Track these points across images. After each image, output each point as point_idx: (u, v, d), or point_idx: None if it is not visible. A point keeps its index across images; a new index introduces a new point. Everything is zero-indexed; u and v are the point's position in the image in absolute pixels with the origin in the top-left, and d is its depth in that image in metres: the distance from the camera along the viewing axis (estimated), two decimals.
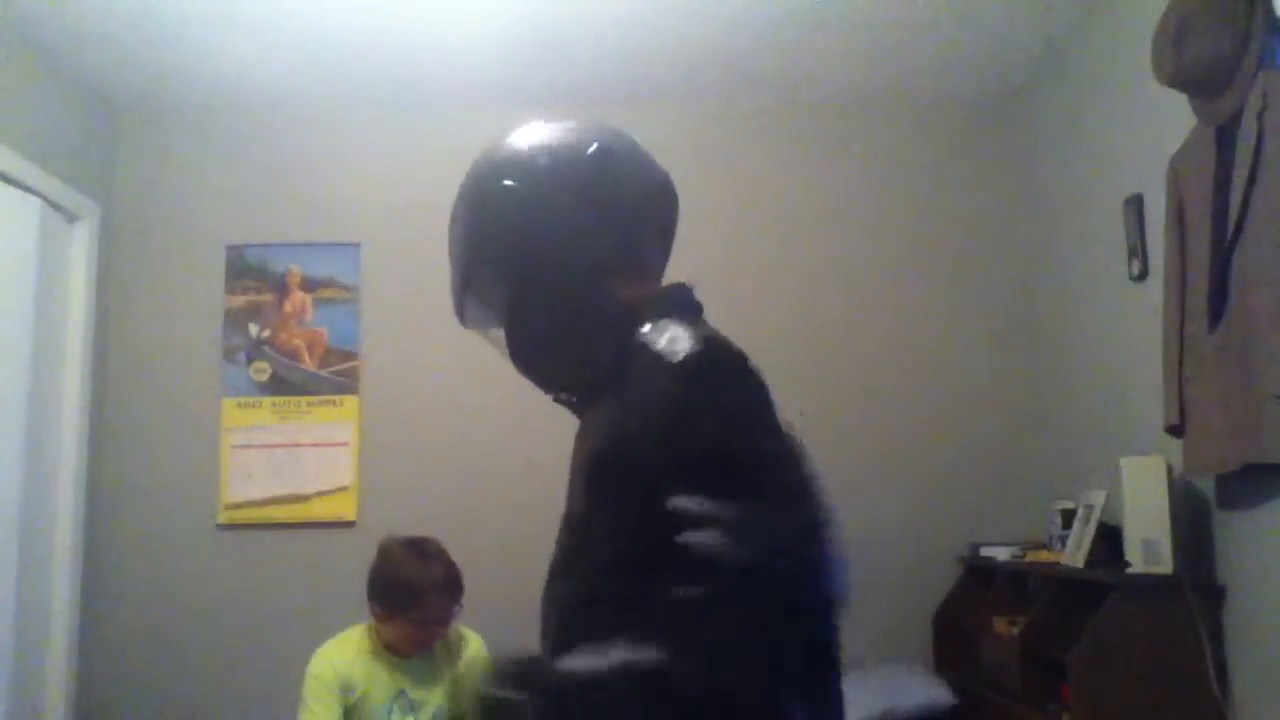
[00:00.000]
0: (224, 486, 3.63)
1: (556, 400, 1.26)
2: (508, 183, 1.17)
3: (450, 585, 2.54)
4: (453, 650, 2.64)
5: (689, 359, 1.04)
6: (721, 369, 1.05)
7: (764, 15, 3.19)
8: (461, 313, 1.25)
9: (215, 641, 3.55)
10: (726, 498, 0.95)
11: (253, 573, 3.60)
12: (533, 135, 1.21)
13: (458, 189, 1.24)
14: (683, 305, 1.19)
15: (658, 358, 1.05)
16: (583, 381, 1.21)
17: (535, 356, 1.22)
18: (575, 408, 1.24)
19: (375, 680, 2.54)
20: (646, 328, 1.11)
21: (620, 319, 1.15)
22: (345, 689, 2.51)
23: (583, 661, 0.96)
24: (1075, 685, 2.48)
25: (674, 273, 1.29)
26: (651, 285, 1.22)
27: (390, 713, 2.52)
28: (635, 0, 3.09)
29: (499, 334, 1.24)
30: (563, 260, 1.16)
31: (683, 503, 0.94)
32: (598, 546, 1.04)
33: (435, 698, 2.57)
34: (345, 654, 2.57)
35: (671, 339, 1.06)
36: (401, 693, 2.54)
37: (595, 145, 1.19)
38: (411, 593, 2.49)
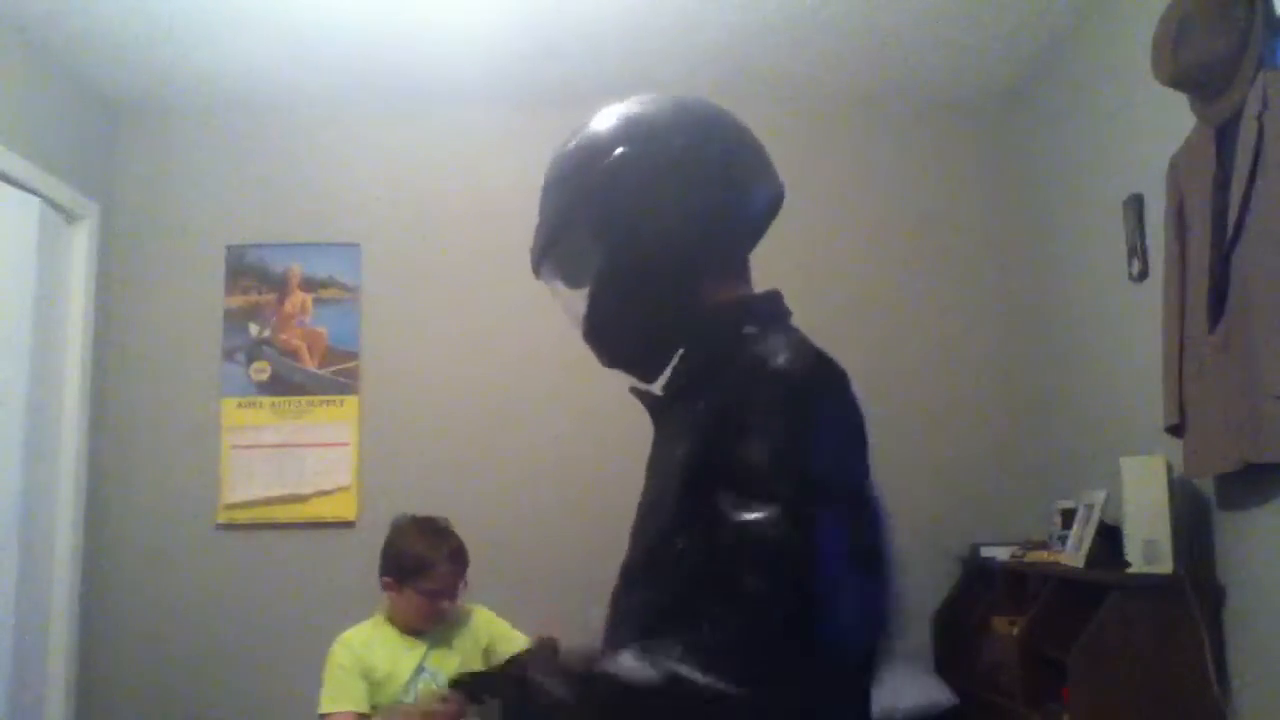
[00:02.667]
0: (224, 486, 3.63)
1: (634, 391, 1.22)
2: (621, 150, 1.13)
3: (457, 557, 2.64)
4: (463, 622, 2.71)
5: (812, 376, 1.02)
6: (836, 389, 1.04)
7: (764, 15, 3.19)
8: (540, 260, 1.22)
9: (215, 641, 3.55)
10: (824, 524, 0.94)
11: (253, 573, 3.60)
12: (679, 110, 1.16)
13: (580, 128, 1.20)
14: (781, 312, 1.17)
15: (775, 365, 1.02)
16: (650, 366, 1.18)
17: (612, 327, 1.17)
18: (658, 403, 1.20)
19: (397, 660, 2.60)
20: (752, 329, 1.09)
21: (714, 312, 1.13)
22: (367, 671, 2.57)
23: (631, 666, 0.95)
24: (1075, 685, 2.48)
25: None
26: (744, 287, 1.19)
27: (414, 686, 2.58)
28: (635, 0, 3.09)
29: (570, 295, 1.20)
30: (665, 241, 1.11)
31: (773, 520, 0.94)
32: (680, 550, 1.02)
33: (453, 664, 2.63)
34: (364, 639, 2.64)
35: (791, 349, 1.04)
36: (421, 667, 2.60)
37: (734, 142, 1.15)
38: (421, 562, 2.58)
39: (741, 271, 1.20)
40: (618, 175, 1.12)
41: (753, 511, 0.94)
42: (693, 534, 1.00)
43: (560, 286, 1.21)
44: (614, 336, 1.18)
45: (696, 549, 0.98)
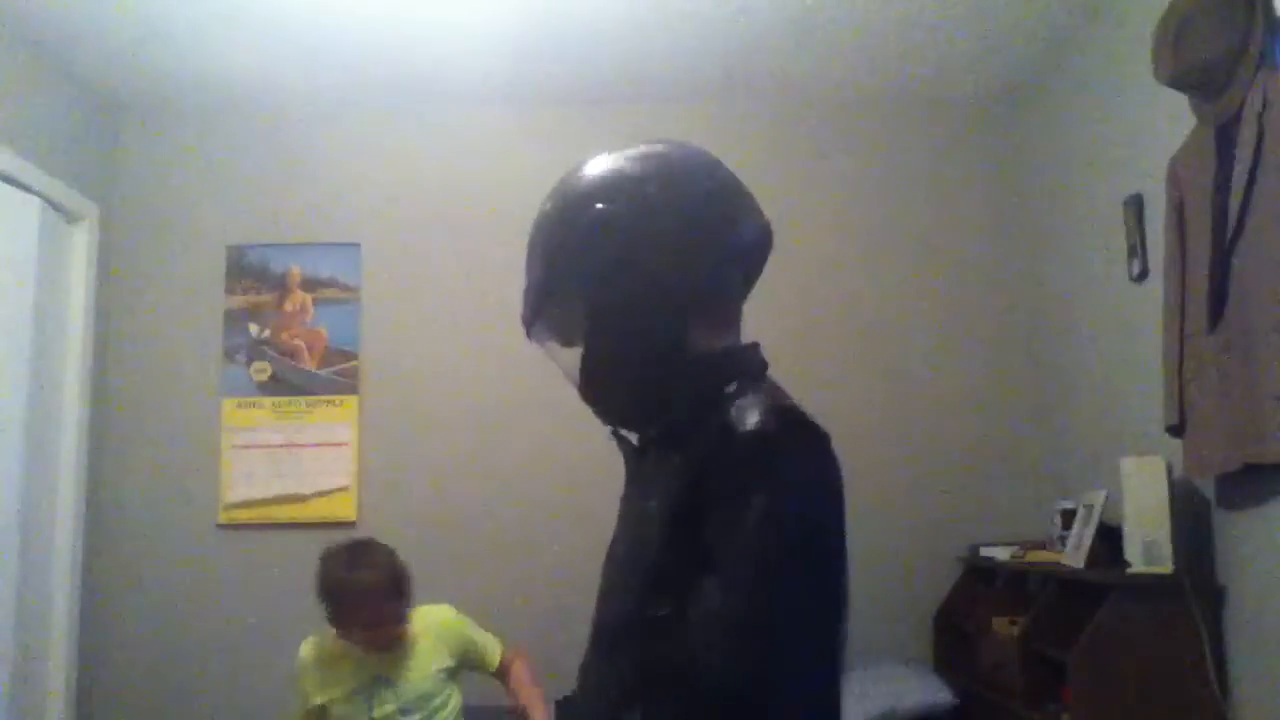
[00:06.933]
0: (224, 486, 3.63)
1: (614, 437, 1.21)
2: (600, 206, 1.12)
3: (386, 590, 2.55)
4: (422, 629, 2.68)
5: (786, 439, 1.01)
6: (813, 452, 1.03)
7: (764, 15, 3.19)
8: (531, 323, 1.21)
9: (215, 641, 3.55)
10: (793, 591, 0.96)
11: (253, 573, 3.60)
12: (651, 159, 1.16)
13: (556, 188, 1.19)
14: (756, 366, 1.16)
15: (750, 428, 1.01)
16: (648, 421, 1.17)
17: (607, 383, 1.16)
18: (634, 452, 1.20)
19: (350, 671, 2.61)
20: (732, 386, 1.08)
21: (699, 364, 1.12)
22: (315, 681, 2.62)
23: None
24: (1075, 685, 2.48)
25: None
26: (732, 335, 1.18)
27: (370, 700, 2.59)
28: (636, 0, 3.09)
29: (566, 354, 1.19)
30: (651, 291, 1.11)
31: (745, 583, 0.95)
32: (657, 618, 1.03)
33: (411, 675, 2.62)
34: (321, 646, 2.66)
35: (767, 410, 1.03)
36: (378, 677, 2.60)
37: (712, 184, 1.16)
38: (352, 601, 2.54)
39: (732, 320, 1.18)
40: (597, 231, 1.12)
41: (718, 589, 0.95)
42: (670, 601, 1.00)
43: (555, 347, 1.21)
44: (608, 394, 1.17)
45: (672, 618, 0.99)
